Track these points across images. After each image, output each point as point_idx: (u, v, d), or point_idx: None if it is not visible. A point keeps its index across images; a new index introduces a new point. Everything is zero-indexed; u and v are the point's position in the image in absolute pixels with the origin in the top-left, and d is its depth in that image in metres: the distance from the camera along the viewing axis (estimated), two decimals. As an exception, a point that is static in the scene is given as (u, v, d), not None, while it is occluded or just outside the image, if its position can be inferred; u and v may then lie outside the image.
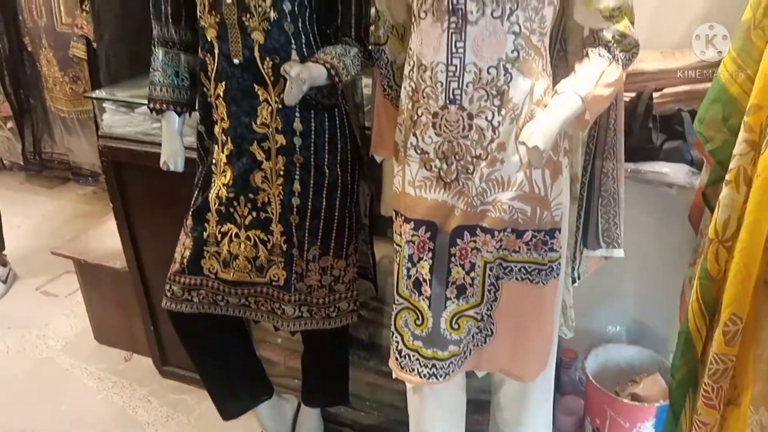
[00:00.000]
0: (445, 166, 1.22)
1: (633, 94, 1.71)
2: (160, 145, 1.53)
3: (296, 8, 1.28)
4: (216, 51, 1.32)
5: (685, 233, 1.59)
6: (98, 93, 1.91)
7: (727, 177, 0.98)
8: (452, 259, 1.25)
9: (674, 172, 1.60)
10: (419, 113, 1.21)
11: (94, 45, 2.44)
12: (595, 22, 1.15)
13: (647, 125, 1.65)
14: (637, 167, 1.65)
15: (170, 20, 1.40)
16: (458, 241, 1.23)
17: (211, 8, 1.28)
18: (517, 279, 1.26)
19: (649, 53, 1.87)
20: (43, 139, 3.46)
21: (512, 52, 1.11)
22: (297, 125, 1.36)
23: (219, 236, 1.46)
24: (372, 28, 1.36)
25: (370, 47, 1.37)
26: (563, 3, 1.17)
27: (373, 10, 1.35)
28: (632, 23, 1.16)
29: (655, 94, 1.72)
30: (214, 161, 1.45)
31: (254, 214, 1.43)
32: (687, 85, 1.75)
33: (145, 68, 1.50)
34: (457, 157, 1.20)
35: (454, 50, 1.13)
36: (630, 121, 1.63)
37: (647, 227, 1.69)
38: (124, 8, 2.19)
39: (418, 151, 1.24)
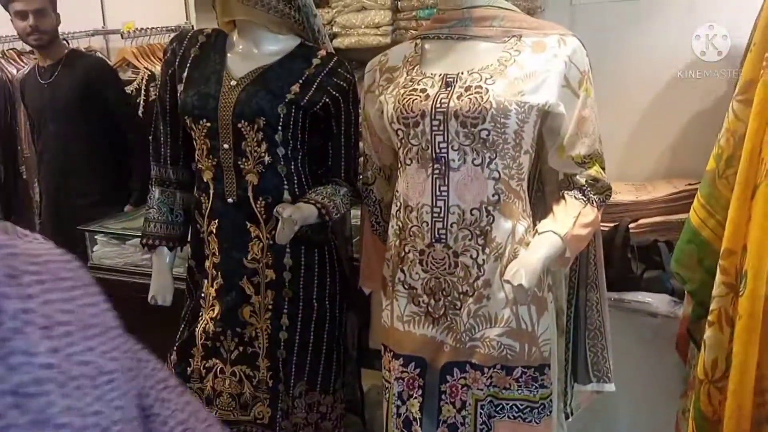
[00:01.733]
0: (433, 302, 1.24)
1: (610, 225, 1.80)
2: (149, 276, 1.54)
3: (290, 152, 1.36)
4: (211, 191, 1.38)
5: (675, 362, 1.59)
6: (91, 226, 1.94)
7: (709, 318, 1.00)
8: (443, 396, 1.23)
9: (657, 302, 1.64)
10: (406, 250, 1.25)
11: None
12: (568, 168, 1.24)
13: (626, 255, 1.72)
14: (621, 297, 1.69)
15: (169, 162, 1.47)
16: (448, 377, 1.22)
17: (209, 152, 1.36)
18: (509, 417, 1.24)
19: (623, 185, 1.98)
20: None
21: (493, 195, 1.18)
22: (287, 260, 1.39)
23: (203, 372, 1.42)
24: (361, 169, 1.44)
25: (358, 186, 1.44)
26: (538, 150, 1.26)
27: (361, 154, 1.44)
28: (603, 168, 1.25)
29: (631, 225, 1.81)
30: (203, 295, 1.45)
31: (241, 348, 1.41)
32: (661, 216, 1.85)
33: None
34: (444, 293, 1.22)
35: (438, 193, 1.20)
36: (609, 252, 1.69)
37: (636, 357, 1.69)
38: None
39: (406, 287, 1.26)
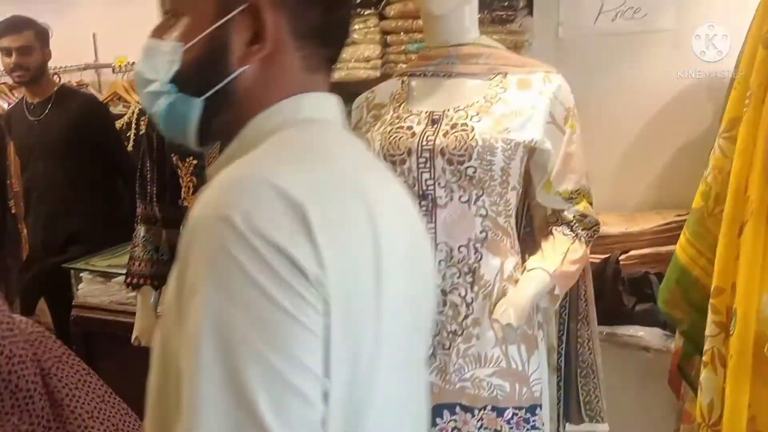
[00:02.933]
0: (421, 341, 1.21)
1: (600, 257, 1.79)
2: (133, 314, 1.51)
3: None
4: (197, 228, 1.36)
5: (668, 396, 1.57)
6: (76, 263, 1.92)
7: (704, 359, 0.99)
8: (433, 439, 1.20)
9: (649, 335, 1.62)
10: (394, 288, 1.23)
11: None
12: (556, 204, 1.23)
13: (617, 288, 1.70)
14: (613, 330, 1.67)
15: (155, 200, 1.46)
16: (438, 420, 1.19)
17: (195, 190, 1.35)
18: (501, 460, 1.20)
19: (612, 217, 1.98)
20: (15, 303, 3.40)
21: (481, 232, 1.17)
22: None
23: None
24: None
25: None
26: (526, 186, 1.26)
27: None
28: (591, 204, 1.24)
29: (621, 257, 1.80)
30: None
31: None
32: (651, 247, 1.84)
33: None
34: (432, 332, 1.20)
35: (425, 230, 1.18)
36: (600, 285, 1.67)
37: (629, 392, 1.67)
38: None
39: (394, 326, 1.24)
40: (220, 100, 0.58)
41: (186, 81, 0.58)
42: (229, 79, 0.57)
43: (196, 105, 0.59)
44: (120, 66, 2.80)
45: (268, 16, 0.56)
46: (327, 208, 0.48)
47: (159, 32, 0.60)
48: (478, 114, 1.15)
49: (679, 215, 1.86)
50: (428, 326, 0.67)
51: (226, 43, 0.57)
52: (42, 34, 2.31)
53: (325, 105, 0.61)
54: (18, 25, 2.25)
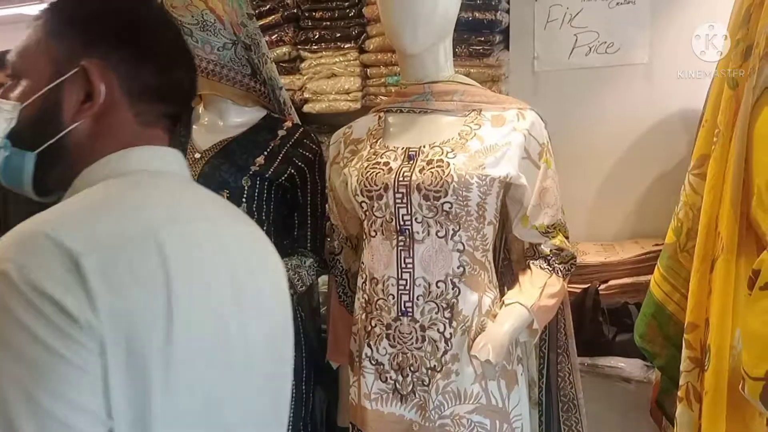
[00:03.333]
0: (400, 378, 1.20)
1: (580, 287, 1.79)
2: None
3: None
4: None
5: (651, 427, 1.56)
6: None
7: (679, 393, 0.99)
8: (413, 478, 1.17)
9: (630, 366, 1.62)
10: (373, 324, 1.22)
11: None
12: (533, 238, 1.24)
13: (597, 319, 1.70)
14: (594, 361, 1.66)
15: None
16: (417, 459, 1.17)
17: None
18: (482, 499, 1.18)
19: (591, 246, 2.00)
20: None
21: (458, 267, 1.17)
22: (251, 335, 1.34)
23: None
24: (327, 239, 1.42)
25: (325, 256, 1.42)
26: (503, 219, 1.26)
27: (328, 223, 1.43)
28: (567, 238, 1.25)
29: (600, 287, 1.81)
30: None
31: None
32: (630, 277, 1.85)
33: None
34: (412, 368, 1.19)
35: (403, 265, 1.18)
36: (580, 316, 1.68)
37: (611, 424, 1.65)
38: None
39: (373, 362, 1.22)
40: (54, 153, 0.64)
41: (21, 136, 0.64)
42: (61, 134, 0.63)
43: (30, 158, 0.64)
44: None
45: (98, 77, 0.62)
46: (107, 256, 0.53)
47: (2, 93, 0.66)
48: (453, 150, 1.16)
49: (657, 244, 1.88)
50: (279, 356, 0.73)
51: (59, 101, 0.63)
52: None
53: (159, 157, 0.66)
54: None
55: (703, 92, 1.47)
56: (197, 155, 1.32)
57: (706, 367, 0.94)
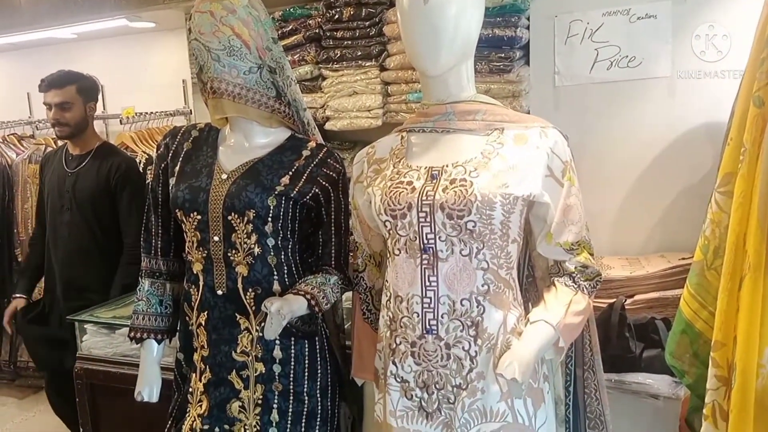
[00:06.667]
0: (426, 396, 1.20)
1: (606, 302, 1.78)
2: (137, 366, 1.50)
3: (279, 242, 1.36)
4: (201, 282, 1.37)
5: (680, 445, 1.53)
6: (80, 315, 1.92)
7: (704, 411, 0.98)
8: (439, 497, 1.17)
9: (658, 383, 1.60)
10: (398, 342, 1.23)
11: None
12: (557, 255, 1.24)
13: (624, 334, 1.69)
14: (621, 378, 1.65)
15: (159, 254, 1.47)
16: (444, 478, 1.17)
17: (199, 245, 1.36)
18: None
19: (616, 260, 1.98)
20: (20, 348, 3.39)
21: (483, 285, 1.17)
22: (277, 353, 1.36)
23: (191, 471, 1.37)
24: (351, 256, 1.44)
25: (349, 274, 1.44)
26: (527, 236, 1.26)
27: (352, 240, 1.44)
28: (591, 255, 1.25)
29: (626, 302, 1.79)
30: (190, 390, 1.41)
31: (229, 446, 1.36)
32: (656, 291, 1.83)
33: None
34: (437, 386, 1.19)
35: (427, 284, 1.19)
36: (606, 331, 1.66)
37: (640, 442, 1.63)
38: None
39: (398, 380, 1.23)
40: None
41: None
42: None
43: None
44: (127, 117, 2.86)
45: None
46: None
47: None
48: (476, 169, 1.17)
49: (683, 258, 1.86)
50: None
51: None
52: (86, 90, 2.35)
53: None
54: (60, 80, 2.29)
55: (726, 104, 1.46)
56: (224, 176, 1.35)
57: (732, 385, 0.92)
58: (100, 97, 3.18)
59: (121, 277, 2.28)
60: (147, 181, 2.55)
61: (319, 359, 1.41)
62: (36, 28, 2.80)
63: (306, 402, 1.38)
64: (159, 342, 1.47)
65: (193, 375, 1.41)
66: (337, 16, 2.12)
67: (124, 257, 2.31)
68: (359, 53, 2.11)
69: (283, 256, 1.37)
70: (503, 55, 1.88)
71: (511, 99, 1.90)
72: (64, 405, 2.32)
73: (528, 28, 1.94)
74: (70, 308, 2.18)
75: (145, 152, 2.72)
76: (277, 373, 1.36)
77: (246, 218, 1.32)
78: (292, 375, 1.37)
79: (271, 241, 1.35)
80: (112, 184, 2.31)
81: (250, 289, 1.34)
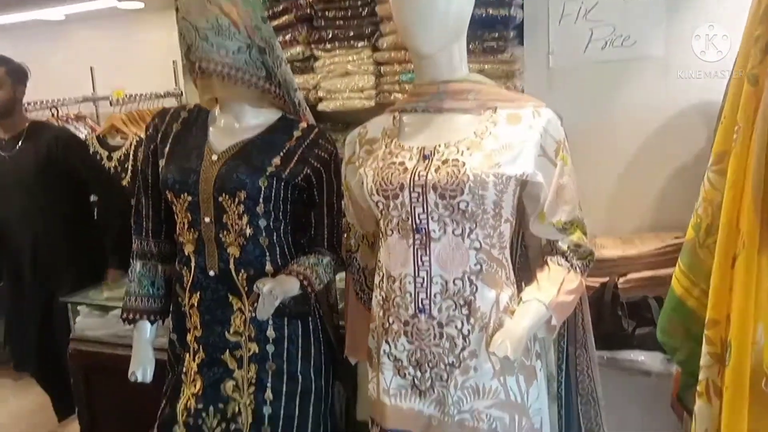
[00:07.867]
0: (419, 374, 1.21)
1: (599, 281, 1.79)
2: (130, 347, 1.50)
3: (271, 224, 1.36)
4: (192, 264, 1.37)
5: (672, 421, 1.56)
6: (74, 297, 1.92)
7: (698, 389, 0.98)
8: (432, 473, 1.18)
9: (650, 360, 1.62)
10: (390, 321, 1.23)
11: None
12: (550, 234, 1.24)
13: (616, 312, 1.70)
14: (613, 355, 1.66)
15: (150, 235, 1.46)
16: (437, 454, 1.18)
17: (190, 226, 1.35)
18: (501, 494, 1.19)
19: (610, 240, 1.99)
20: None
21: (475, 265, 1.17)
22: (270, 333, 1.36)
23: (186, 451, 1.38)
24: (344, 237, 1.43)
25: (342, 254, 1.43)
26: (519, 216, 1.26)
27: (344, 221, 1.44)
28: (585, 234, 1.25)
29: (619, 281, 1.80)
30: (184, 370, 1.42)
31: (224, 425, 1.37)
32: (649, 270, 1.84)
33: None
34: (430, 364, 1.20)
35: (420, 263, 1.19)
36: (599, 310, 1.67)
37: (632, 418, 1.66)
38: None
39: (391, 359, 1.24)
40: None
41: None
42: None
43: None
44: (117, 98, 2.83)
45: None
46: None
47: None
48: (468, 149, 1.16)
49: (677, 237, 1.86)
50: None
51: None
52: (15, 72, 2.33)
53: None
54: None
55: (720, 84, 1.46)
56: (214, 157, 1.34)
57: (726, 363, 0.93)
58: (89, 78, 3.16)
59: (111, 239, 2.31)
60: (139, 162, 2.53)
61: (312, 339, 1.41)
62: (24, 9, 2.75)
63: (300, 381, 1.38)
64: (152, 323, 1.47)
65: (187, 355, 1.42)
66: (328, -5, 2.09)
67: (113, 221, 2.32)
68: (351, 33, 2.09)
69: (275, 237, 1.37)
70: (497, 35, 1.86)
71: (504, 79, 1.89)
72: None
73: (522, 7, 1.92)
74: (47, 289, 2.21)
75: (136, 134, 2.70)
76: (270, 353, 1.36)
77: (237, 199, 1.31)
78: (285, 355, 1.37)
79: (263, 222, 1.34)
80: (57, 158, 2.30)
81: (242, 270, 1.34)
